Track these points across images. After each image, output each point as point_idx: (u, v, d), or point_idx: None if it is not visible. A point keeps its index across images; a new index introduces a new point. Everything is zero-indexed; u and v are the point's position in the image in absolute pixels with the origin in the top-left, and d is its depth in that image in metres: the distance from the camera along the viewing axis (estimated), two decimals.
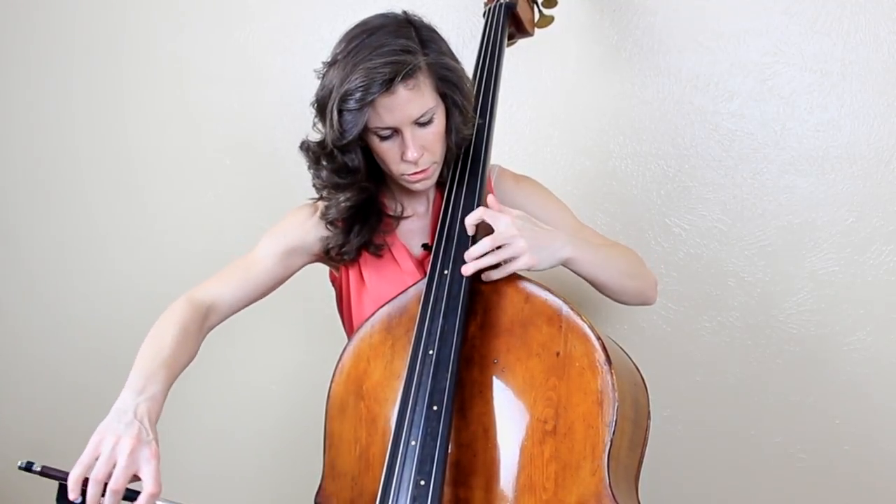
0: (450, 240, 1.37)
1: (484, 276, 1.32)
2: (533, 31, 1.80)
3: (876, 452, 1.92)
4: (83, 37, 2.39)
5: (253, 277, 1.48)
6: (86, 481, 1.15)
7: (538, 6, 1.81)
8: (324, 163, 1.40)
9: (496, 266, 1.31)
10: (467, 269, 1.31)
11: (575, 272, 1.38)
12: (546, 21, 1.81)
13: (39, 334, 2.57)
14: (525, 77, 2.03)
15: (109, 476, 1.14)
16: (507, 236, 1.29)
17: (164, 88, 2.34)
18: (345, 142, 1.32)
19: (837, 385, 1.92)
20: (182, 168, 2.35)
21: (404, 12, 1.39)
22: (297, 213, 1.52)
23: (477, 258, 1.31)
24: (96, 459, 1.15)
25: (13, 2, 2.45)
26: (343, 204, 1.43)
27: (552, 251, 1.32)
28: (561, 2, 1.83)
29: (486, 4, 1.71)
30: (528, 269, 1.30)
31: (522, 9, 1.71)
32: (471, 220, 1.33)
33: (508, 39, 1.75)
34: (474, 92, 1.53)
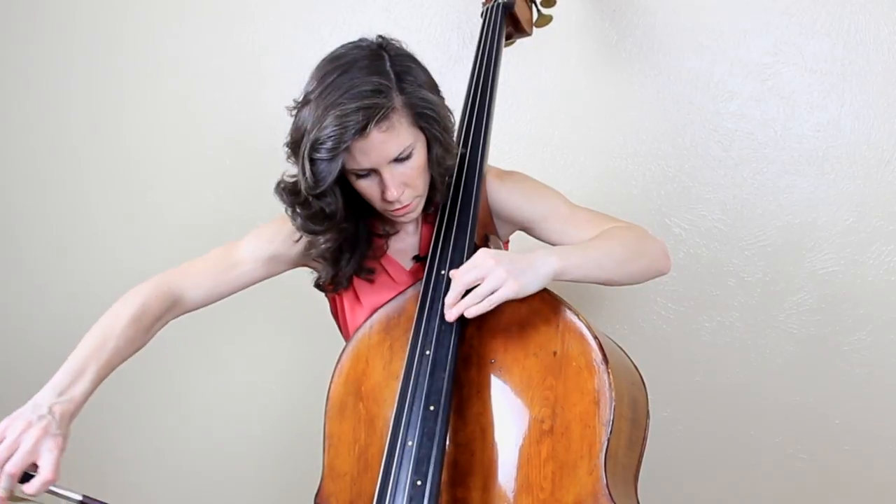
0: (447, 240, 1.37)
1: (467, 314, 1.24)
2: (531, 30, 1.79)
3: (876, 452, 1.92)
4: (83, 37, 2.40)
5: (232, 278, 1.47)
6: None
7: (536, 6, 1.81)
8: (298, 210, 1.36)
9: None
10: (451, 315, 1.25)
11: (572, 281, 1.31)
12: (545, 20, 1.81)
13: (39, 334, 2.57)
14: (525, 77, 2.03)
15: (8, 460, 1.18)
16: (485, 267, 1.23)
17: (165, 88, 2.34)
18: (319, 191, 1.28)
19: (837, 385, 1.92)
20: (182, 168, 2.35)
21: (380, 37, 1.34)
22: (287, 220, 1.46)
23: (456, 301, 1.25)
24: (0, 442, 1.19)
25: (13, 2, 2.45)
26: (324, 245, 1.40)
27: (535, 270, 1.24)
28: (560, 2, 1.83)
29: (483, 4, 1.70)
30: (516, 296, 1.23)
31: (520, 8, 1.71)
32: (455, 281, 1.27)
33: (507, 39, 1.74)
34: (473, 92, 1.53)
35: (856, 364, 1.90)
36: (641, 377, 1.38)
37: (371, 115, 1.23)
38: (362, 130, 1.23)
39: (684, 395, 2.01)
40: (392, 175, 1.30)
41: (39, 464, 1.19)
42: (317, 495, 1.40)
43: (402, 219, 1.39)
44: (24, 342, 2.59)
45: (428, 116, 1.31)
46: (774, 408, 1.96)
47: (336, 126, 1.22)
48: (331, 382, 1.41)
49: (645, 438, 1.35)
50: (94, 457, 2.57)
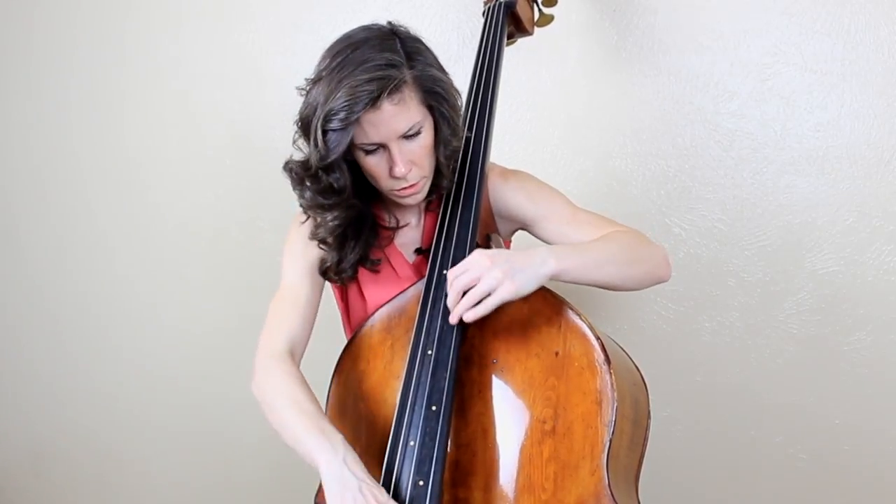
0: (449, 239, 1.37)
1: (465, 318, 1.24)
2: (533, 30, 1.79)
3: (876, 452, 1.92)
4: (83, 37, 2.39)
5: (303, 309, 1.44)
6: None
7: (538, 5, 1.81)
8: (307, 184, 1.36)
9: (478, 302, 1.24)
10: (452, 319, 1.26)
11: (569, 282, 1.30)
12: (546, 20, 1.81)
13: (39, 335, 2.57)
14: (525, 77, 2.03)
15: None
16: (480, 268, 1.23)
17: (165, 89, 2.34)
18: (328, 161, 1.29)
19: (837, 385, 1.92)
20: (182, 168, 2.35)
21: (389, 23, 1.36)
22: (301, 228, 1.48)
23: (455, 304, 1.25)
24: None
25: (13, 2, 2.45)
26: (331, 223, 1.41)
27: (532, 270, 1.24)
28: (561, 1, 1.83)
29: (485, 3, 1.70)
30: (514, 297, 1.23)
31: (522, 8, 1.71)
32: (452, 283, 1.27)
33: (508, 38, 1.74)
34: (475, 92, 1.53)
35: (856, 364, 1.91)
36: (643, 377, 1.38)
37: (383, 86, 1.24)
38: (374, 101, 1.24)
39: (684, 395, 2.01)
40: (400, 151, 1.31)
41: None
42: (317, 495, 1.39)
43: (408, 200, 1.39)
44: (24, 342, 2.59)
45: (437, 94, 1.32)
46: (774, 408, 1.97)
47: (349, 97, 1.24)
48: (331, 382, 1.41)
49: (646, 439, 1.35)
50: (95, 458, 2.57)
